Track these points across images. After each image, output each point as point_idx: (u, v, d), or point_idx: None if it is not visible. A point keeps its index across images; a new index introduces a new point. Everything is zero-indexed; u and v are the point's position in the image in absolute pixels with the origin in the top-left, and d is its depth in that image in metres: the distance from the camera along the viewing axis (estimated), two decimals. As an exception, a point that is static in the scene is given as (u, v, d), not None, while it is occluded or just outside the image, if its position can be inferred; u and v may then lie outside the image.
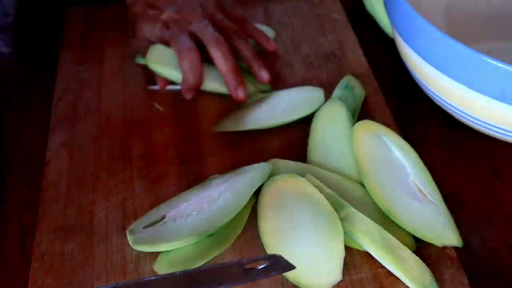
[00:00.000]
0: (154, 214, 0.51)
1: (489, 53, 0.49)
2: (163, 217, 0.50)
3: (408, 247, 0.48)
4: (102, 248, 0.50)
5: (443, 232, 0.50)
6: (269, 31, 0.70)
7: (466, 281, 0.48)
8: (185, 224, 0.49)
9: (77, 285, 0.48)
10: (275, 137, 0.59)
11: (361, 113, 0.61)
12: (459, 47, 0.50)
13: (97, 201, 0.54)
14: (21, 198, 0.56)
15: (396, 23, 0.58)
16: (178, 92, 0.63)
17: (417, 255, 0.48)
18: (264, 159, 0.55)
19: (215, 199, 0.51)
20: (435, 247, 0.50)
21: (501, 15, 0.70)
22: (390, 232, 0.48)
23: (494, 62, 0.48)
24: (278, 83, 0.65)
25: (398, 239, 0.47)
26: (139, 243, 0.49)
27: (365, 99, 0.63)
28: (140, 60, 0.63)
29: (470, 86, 0.51)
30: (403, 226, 0.49)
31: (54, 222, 0.52)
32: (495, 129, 0.54)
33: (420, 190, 0.52)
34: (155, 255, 0.50)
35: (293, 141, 0.59)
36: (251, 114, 0.60)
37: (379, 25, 0.72)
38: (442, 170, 0.57)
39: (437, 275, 0.48)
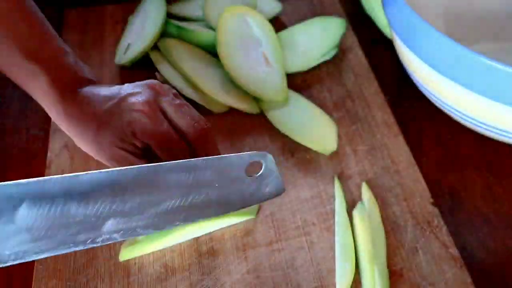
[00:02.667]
0: None
1: (488, 54, 0.49)
2: None
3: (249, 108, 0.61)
4: (105, 250, 0.50)
5: (273, 89, 0.61)
6: (276, 5, 0.73)
7: (469, 280, 0.48)
8: None
9: (80, 287, 0.48)
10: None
11: (362, 112, 0.62)
12: (457, 48, 0.50)
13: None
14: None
15: (394, 24, 0.58)
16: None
17: (420, 254, 0.49)
18: None
19: None
20: (438, 247, 0.50)
21: (499, 15, 0.70)
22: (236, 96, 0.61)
23: (492, 63, 0.48)
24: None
25: (242, 101, 0.61)
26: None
27: (366, 99, 0.63)
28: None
29: (468, 86, 0.51)
30: (244, 87, 0.61)
31: (56, 224, 0.52)
32: (493, 129, 0.54)
33: (266, 59, 0.63)
34: (158, 256, 0.50)
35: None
36: None
37: (378, 26, 0.73)
38: (440, 171, 0.57)
39: (440, 274, 0.48)
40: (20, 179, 0.55)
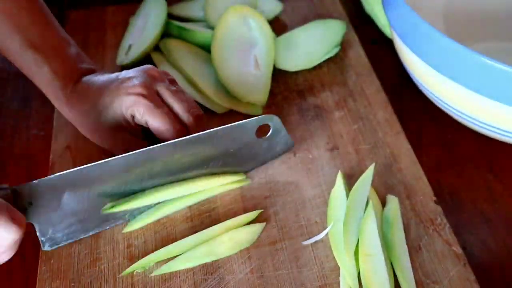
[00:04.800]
0: None
1: (488, 54, 0.49)
2: None
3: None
4: (109, 250, 0.50)
5: (255, 93, 0.62)
6: (277, 5, 0.74)
7: (473, 277, 0.48)
8: None
9: (84, 287, 0.48)
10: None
11: (364, 111, 0.62)
12: (457, 48, 0.50)
13: (103, 203, 0.54)
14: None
15: (394, 24, 0.58)
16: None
17: (424, 252, 0.49)
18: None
19: None
20: (441, 245, 0.50)
21: (499, 15, 0.70)
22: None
23: (492, 63, 0.48)
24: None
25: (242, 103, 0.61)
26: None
27: (368, 98, 0.63)
28: None
29: (469, 86, 0.51)
30: (225, 85, 0.61)
31: (60, 225, 0.52)
32: (493, 129, 0.54)
33: (256, 62, 0.63)
34: (164, 261, 0.50)
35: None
36: None
37: (378, 26, 0.73)
38: (440, 170, 0.57)
39: (444, 272, 0.48)
40: (21, 179, 0.56)
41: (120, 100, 0.51)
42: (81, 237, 0.50)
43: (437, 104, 0.59)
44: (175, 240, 0.51)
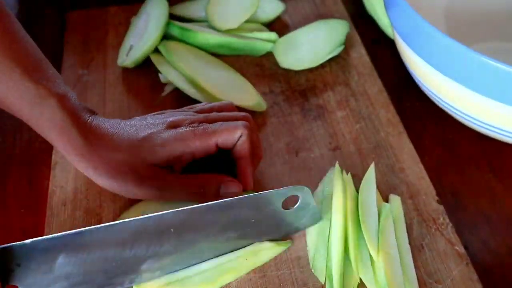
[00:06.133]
0: None
1: (489, 54, 0.49)
2: None
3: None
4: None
5: (242, 97, 0.61)
6: (279, 5, 0.73)
7: (475, 277, 0.48)
8: None
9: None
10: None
11: (366, 111, 0.62)
12: (459, 48, 0.50)
13: (105, 203, 0.54)
14: (22, 198, 0.55)
15: (396, 24, 0.58)
16: (180, 95, 0.63)
17: (426, 252, 0.49)
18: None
19: None
20: (444, 244, 0.50)
21: (501, 15, 0.70)
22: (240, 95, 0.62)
23: (493, 63, 0.48)
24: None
25: (246, 100, 0.61)
26: None
27: (370, 97, 0.63)
28: None
29: (470, 86, 0.51)
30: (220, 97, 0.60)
31: (62, 225, 0.52)
32: (494, 129, 0.54)
33: None
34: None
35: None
36: None
37: (379, 26, 0.73)
38: (441, 170, 0.57)
39: (447, 272, 0.48)
40: (22, 180, 0.56)
41: (165, 142, 0.48)
42: None
43: (439, 104, 0.59)
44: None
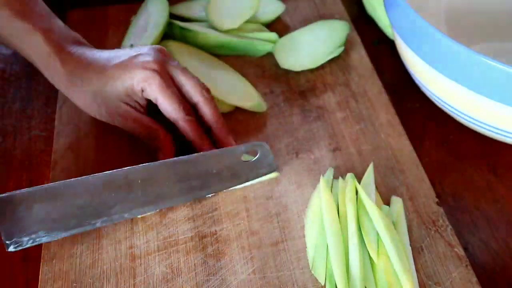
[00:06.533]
0: None
1: (489, 54, 0.49)
2: None
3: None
4: (111, 251, 0.50)
5: (242, 97, 0.62)
6: (279, 5, 0.73)
7: (474, 279, 0.48)
8: None
9: (86, 287, 0.48)
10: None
11: (366, 112, 0.62)
12: (459, 48, 0.50)
13: (105, 203, 0.54)
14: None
15: (396, 24, 0.58)
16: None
17: (426, 254, 0.49)
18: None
19: None
20: (443, 246, 0.50)
21: (501, 15, 0.70)
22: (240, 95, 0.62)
23: (494, 63, 0.48)
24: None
25: (247, 100, 0.61)
26: None
27: (370, 99, 0.63)
28: None
29: (470, 87, 0.51)
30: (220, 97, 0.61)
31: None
32: (494, 130, 0.54)
33: None
34: (164, 257, 0.50)
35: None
36: None
37: (379, 26, 0.73)
38: (441, 170, 0.57)
39: (446, 274, 0.48)
40: (22, 179, 0.56)
41: (132, 73, 0.52)
42: (46, 241, 0.50)
43: (439, 105, 0.59)
44: (177, 240, 0.51)
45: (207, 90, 0.56)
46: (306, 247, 0.50)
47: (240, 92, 0.63)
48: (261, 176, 0.55)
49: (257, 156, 0.54)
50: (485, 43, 0.67)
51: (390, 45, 0.66)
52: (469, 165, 0.58)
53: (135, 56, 0.54)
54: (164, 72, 0.54)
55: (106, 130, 0.59)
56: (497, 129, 0.54)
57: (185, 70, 0.55)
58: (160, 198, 0.52)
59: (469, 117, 0.55)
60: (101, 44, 0.70)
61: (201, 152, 0.53)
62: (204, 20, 0.71)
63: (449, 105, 0.56)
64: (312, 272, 0.48)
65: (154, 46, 0.56)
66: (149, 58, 0.53)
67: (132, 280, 0.49)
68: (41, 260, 0.50)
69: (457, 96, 0.53)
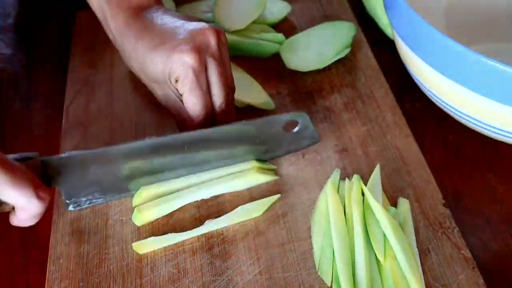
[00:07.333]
0: None
1: (489, 55, 0.49)
2: None
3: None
4: (117, 250, 0.50)
5: (251, 95, 0.63)
6: (285, 6, 0.73)
7: (481, 281, 0.48)
8: None
9: (93, 287, 0.48)
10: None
11: (373, 113, 0.62)
12: (459, 48, 0.50)
13: (112, 203, 0.54)
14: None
15: (396, 24, 0.58)
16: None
17: (432, 255, 0.49)
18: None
19: None
20: (450, 248, 0.50)
21: (500, 15, 0.70)
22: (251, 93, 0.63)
23: (494, 63, 0.48)
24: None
25: (257, 98, 0.62)
26: None
27: (377, 100, 0.63)
28: None
29: (470, 87, 0.51)
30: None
31: (69, 225, 0.52)
32: (495, 130, 0.54)
33: None
34: (171, 257, 0.50)
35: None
36: None
37: (379, 26, 0.73)
38: (442, 170, 0.57)
39: (453, 276, 0.48)
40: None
41: (171, 62, 0.52)
42: (101, 203, 0.54)
43: (439, 105, 0.59)
44: (184, 240, 0.51)
45: (229, 107, 0.55)
46: (312, 248, 0.50)
47: (248, 90, 0.63)
48: (306, 146, 0.58)
49: (297, 127, 0.57)
50: (485, 43, 0.67)
51: (390, 45, 0.66)
52: (470, 165, 0.58)
53: (178, 44, 0.52)
54: (200, 69, 0.52)
55: (113, 129, 0.59)
56: (497, 129, 0.54)
57: (221, 72, 0.54)
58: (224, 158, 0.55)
59: (469, 117, 0.55)
60: (109, 44, 0.70)
61: (242, 121, 0.54)
62: (211, 21, 0.71)
63: (449, 105, 0.56)
64: (319, 273, 0.48)
65: (203, 27, 0.54)
66: (189, 48, 0.52)
67: (138, 280, 0.49)
68: (48, 259, 0.50)
69: (457, 96, 0.53)
